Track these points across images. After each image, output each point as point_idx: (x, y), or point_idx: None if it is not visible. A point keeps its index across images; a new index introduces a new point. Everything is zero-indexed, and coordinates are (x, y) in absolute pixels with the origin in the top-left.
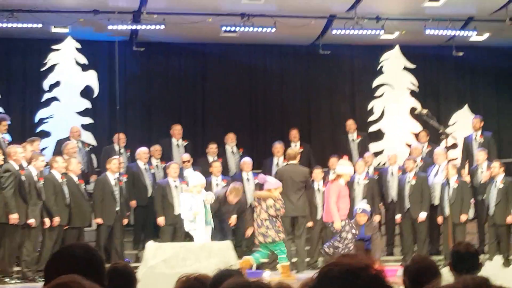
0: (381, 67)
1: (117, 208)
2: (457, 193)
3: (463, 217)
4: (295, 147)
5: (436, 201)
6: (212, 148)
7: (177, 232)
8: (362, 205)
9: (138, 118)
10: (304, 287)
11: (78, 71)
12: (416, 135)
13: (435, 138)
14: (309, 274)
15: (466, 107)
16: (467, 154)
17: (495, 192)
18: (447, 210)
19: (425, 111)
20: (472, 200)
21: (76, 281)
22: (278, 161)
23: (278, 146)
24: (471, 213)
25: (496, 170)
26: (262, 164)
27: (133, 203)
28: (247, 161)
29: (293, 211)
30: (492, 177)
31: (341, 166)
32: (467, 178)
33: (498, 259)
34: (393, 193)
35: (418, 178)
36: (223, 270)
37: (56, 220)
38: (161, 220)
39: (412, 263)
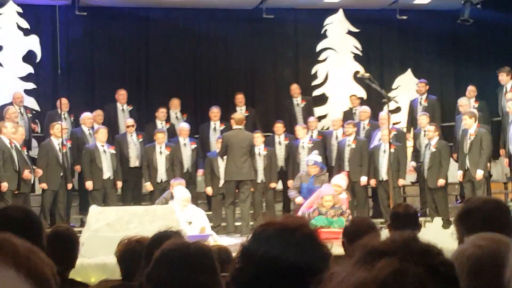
0: (325, 31)
1: (62, 173)
2: (393, 157)
3: (401, 181)
4: (241, 111)
5: (378, 165)
6: (163, 112)
7: (108, 196)
8: (313, 156)
9: (82, 83)
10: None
11: (20, 35)
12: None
13: (378, 102)
14: None
15: (409, 71)
16: (412, 118)
17: (429, 155)
18: (383, 174)
19: (367, 74)
20: (414, 164)
21: (6, 239)
22: (215, 125)
23: (215, 111)
24: (413, 176)
25: (430, 134)
26: (198, 129)
27: (78, 168)
28: (185, 127)
29: (238, 175)
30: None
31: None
32: (411, 142)
33: (438, 220)
34: (334, 156)
35: (358, 142)
36: (162, 231)
37: (4, 185)
38: (89, 184)
39: (351, 224)
